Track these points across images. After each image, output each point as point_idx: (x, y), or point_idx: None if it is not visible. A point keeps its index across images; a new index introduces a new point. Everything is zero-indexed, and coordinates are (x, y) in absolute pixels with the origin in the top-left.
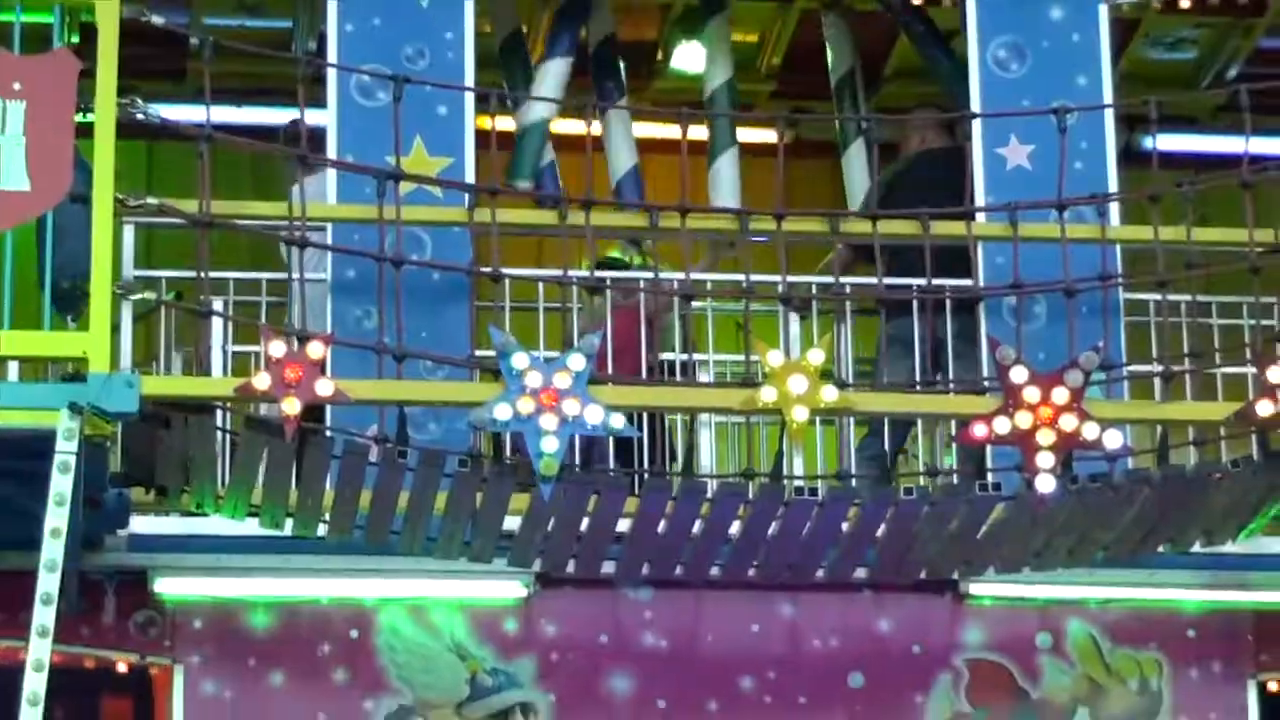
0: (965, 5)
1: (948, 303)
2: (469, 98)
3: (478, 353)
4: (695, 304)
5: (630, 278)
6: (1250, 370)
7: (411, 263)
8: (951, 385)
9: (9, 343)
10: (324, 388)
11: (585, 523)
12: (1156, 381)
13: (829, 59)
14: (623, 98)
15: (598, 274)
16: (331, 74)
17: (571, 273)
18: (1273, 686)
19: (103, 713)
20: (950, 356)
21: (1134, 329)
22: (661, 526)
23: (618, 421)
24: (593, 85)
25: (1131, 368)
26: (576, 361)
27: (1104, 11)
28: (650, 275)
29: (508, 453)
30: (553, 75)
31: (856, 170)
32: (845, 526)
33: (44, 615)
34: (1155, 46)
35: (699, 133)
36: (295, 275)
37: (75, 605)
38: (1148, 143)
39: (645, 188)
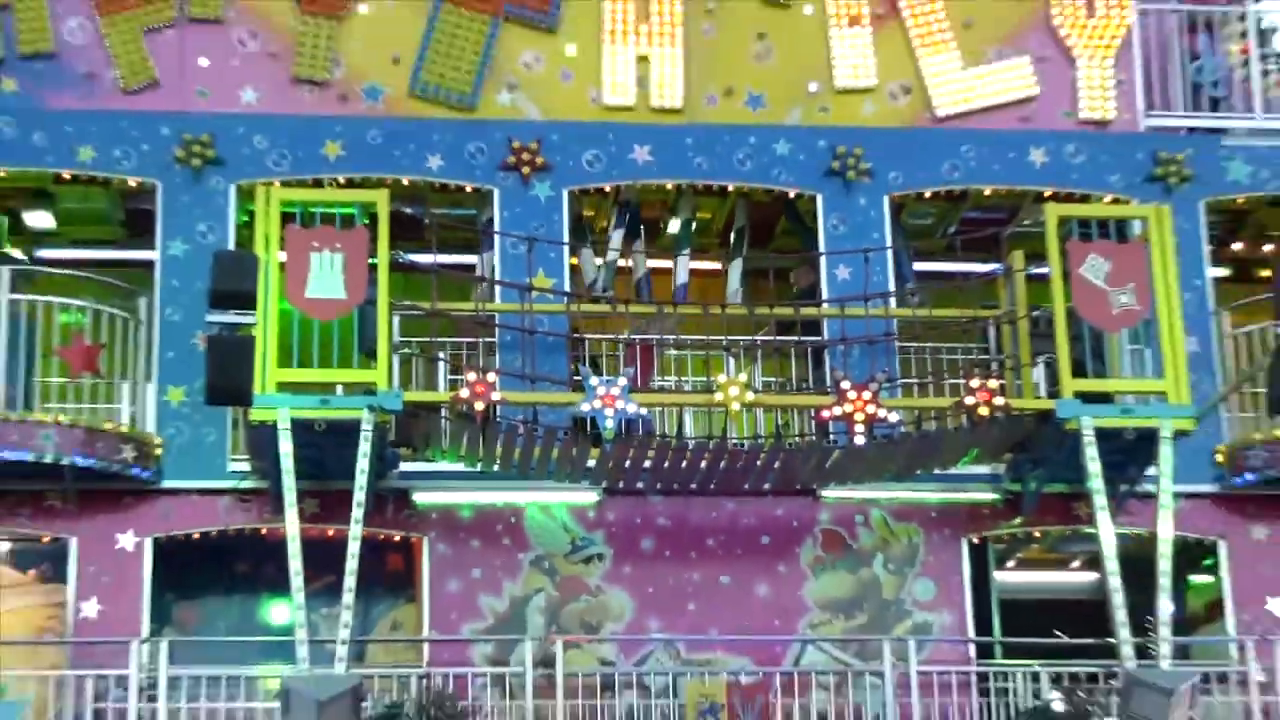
0: (817, 199)
1: (809, 350)
2: (565, 249)
3: (573, 377)
4: (681, 350)
5: (650, 339)
6: (963, 380)
7: (538, 332)
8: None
9: (338, 376)
10: (496, 396)
11: (628, 462)
12: (916, 387)
13: (735, 220)
14: (639, 239)
15: (632, 337)
16: (497, 237)
17: (618, 336)
18: (975, 542)
19: (387, 562)
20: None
21: (905, 360)
22: (666, 463)
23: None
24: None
25: (902, 380)
26: (622, 381)
27: (886, 200)
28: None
29: (587, 428)
30: (616, 238)
31: (734, 277)
32: (759, 462)
33: (358, 513)
34: (913, 215)
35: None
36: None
37: (372, 507)
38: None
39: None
